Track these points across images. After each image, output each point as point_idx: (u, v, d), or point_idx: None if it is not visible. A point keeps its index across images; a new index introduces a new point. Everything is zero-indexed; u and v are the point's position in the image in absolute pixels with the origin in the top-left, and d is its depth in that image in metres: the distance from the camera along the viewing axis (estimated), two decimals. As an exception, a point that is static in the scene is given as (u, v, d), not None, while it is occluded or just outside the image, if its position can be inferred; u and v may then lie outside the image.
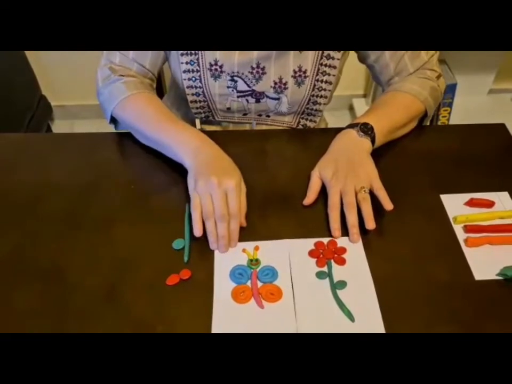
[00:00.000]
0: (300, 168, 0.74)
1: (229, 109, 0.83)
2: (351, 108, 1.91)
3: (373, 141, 0.71)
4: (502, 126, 0.82)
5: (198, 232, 0.61)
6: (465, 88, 1.70)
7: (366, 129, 0.71)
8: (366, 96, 1.90)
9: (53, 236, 0.65)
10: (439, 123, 1.71)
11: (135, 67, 0.78)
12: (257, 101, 0.82)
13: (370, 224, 0.62)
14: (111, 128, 0.81)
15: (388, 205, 0.63)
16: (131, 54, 0.77)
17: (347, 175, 0.67)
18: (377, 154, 0.74)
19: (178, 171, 0.72)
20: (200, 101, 0.82)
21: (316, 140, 0.80)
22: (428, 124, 0.82)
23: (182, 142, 0.69)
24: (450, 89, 1.64)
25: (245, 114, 0.85)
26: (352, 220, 0.63)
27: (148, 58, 0.78)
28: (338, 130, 0.82)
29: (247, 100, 0.81)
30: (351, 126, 0.73)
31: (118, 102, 0.74)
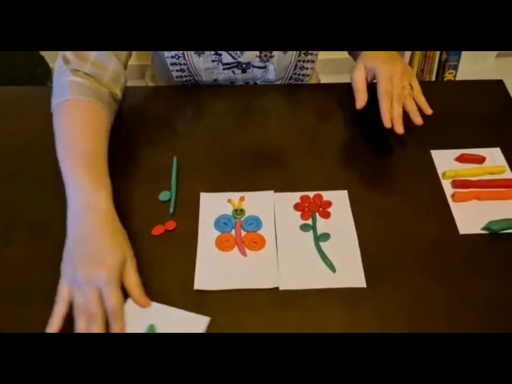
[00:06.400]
0: (289, 124, 0.73)
1: (215, 80, 0.82)
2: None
3: None
4: (500, 83, 0.80)
5: (52, 328, 0.49)
6: (472, 51, 1.66)
7: None
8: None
9: (38, 189, 0.65)
10: (444, 87, 1.67)
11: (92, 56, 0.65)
12: (244, 71, 0.80)
13: (418, 119, 0.63)
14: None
15: (427, 109, 0.65)
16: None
17: (396, 65, 0.65)
18: (368, 107, 0.73)
19: (167, 127, 0.71)
20: (185, 76, 0.81)
21: (307, 96, 0.79)
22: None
23: (72, 198, 0.56)
24: (456, 52, 1.59)
25: (231, 83, 0.84)
26: (399, 111, 0.62)
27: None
28: (328, 86, 0.81)
29: (233, 72, 0.80)
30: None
31: (56, 104, 0.63)
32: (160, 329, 0.51)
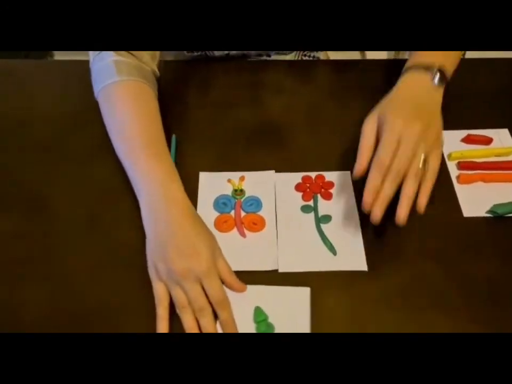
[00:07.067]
0: (295, 101, 0.72)
1: (227, 54, 0.79)
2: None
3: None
4: (510, 61, 0.77)
5: (161, 329, 0.48)
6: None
7: (444, 76, 0.55)
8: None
9: (37, 164, 0.64)
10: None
11: None
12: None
13: (402, 215, 0.47)
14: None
15: (421, 207, 0.49)
16: None
17: (414, 124, 0.49)
18: (373, 87, 0.71)
19: (165, 101, 0.69)
20: (196, 51, 0.78)
21: (315, 72, 0.77)
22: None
23: (145, 191, 0.53)
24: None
25: (244, 56, 0.81)
26: (387, 194, 0.48)
27: None
28: (339, 62, 0.78)
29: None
30: (418, 67, 0.55)
31: (102, 87, 0.59)
32: (266, 309, 0.50)
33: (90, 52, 0.62)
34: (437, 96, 0.55)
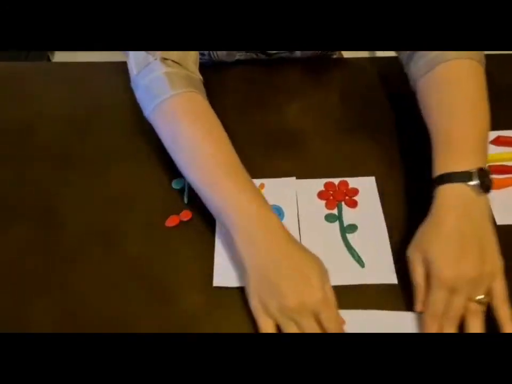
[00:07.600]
0: (311, 103, 0.68)
1: (238, 60, 0.76)
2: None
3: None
4: (538, 56, 0.74)
5: None
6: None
7: (486, 180, 0.47)
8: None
9: (45, 172, 0.62)
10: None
11: None
12: (268, 55, 0.74)
13: None
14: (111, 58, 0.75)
15: (508, 326, 0.45)
16: None
17: (466, 265, 0.45)
18: (393, 93, 0.68)
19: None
20: (205, 58, 0.74)
21: (332, 72, 0.73)
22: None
23: (237, 222, 0.48)
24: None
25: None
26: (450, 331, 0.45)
27: None
28: (357, 60, 0.75)
29: (256, 54, 0.74)
30: (453, 178, 0.48)
31: (157, 105, 0.54)
32: None
33: (134, 65, 0.56)
34: (482, 204, 0.48)
